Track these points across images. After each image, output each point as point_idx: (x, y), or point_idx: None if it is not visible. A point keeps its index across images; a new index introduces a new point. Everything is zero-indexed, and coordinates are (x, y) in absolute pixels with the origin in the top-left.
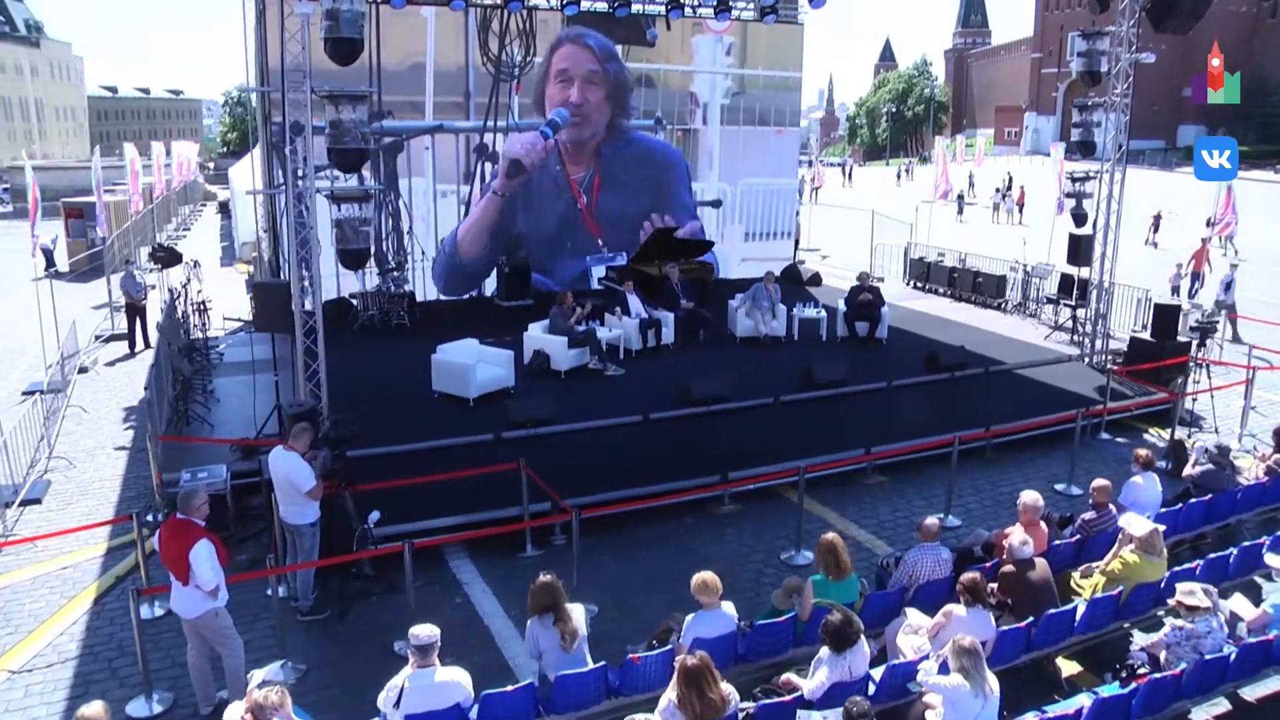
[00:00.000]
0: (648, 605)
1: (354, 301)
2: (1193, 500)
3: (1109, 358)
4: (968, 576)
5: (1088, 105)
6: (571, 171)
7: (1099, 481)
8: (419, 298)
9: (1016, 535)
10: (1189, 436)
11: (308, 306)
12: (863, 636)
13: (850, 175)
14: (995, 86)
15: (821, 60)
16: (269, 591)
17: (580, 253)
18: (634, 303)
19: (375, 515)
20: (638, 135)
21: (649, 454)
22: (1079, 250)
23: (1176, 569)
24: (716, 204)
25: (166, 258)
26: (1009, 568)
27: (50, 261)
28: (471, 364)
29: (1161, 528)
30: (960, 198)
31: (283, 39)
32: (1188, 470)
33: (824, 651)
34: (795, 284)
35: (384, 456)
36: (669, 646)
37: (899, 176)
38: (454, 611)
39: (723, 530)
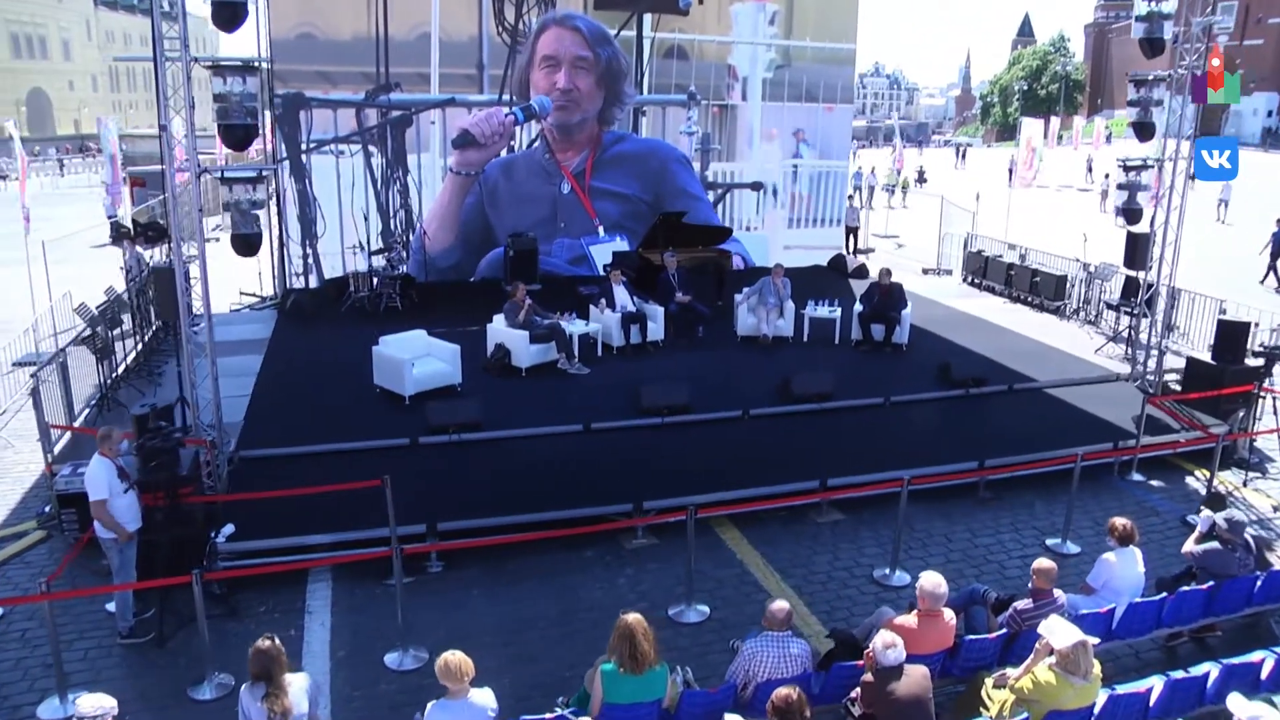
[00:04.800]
0: (489, 657)
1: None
2: (1185, 589)
3: (1162, 379)
4: (780, 694)
5: (1146, 80)
6: (562, 158)
7: (1042, 562)
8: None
9: (881, 637)
10: (1244, 484)
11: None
12: None
13: (964, 156)
14: (1135, 64)
15: (960, 36)
16: (107, 606)
17: (577, 234)
18: (620, 294)
19: (229, 529)
20: (633, 135)
21: (576, 470)
22: (1135, 251)
23: (1122, 690)
24: (756, 186)
25: (146, 233)
26: (869, 677)
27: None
28: (407, 359)
29: (1093, 641)
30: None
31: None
32: (1188, 546)
33: None
34: (840, 275)
35: (284, 458)
36: None
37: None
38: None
39: (620, 569)
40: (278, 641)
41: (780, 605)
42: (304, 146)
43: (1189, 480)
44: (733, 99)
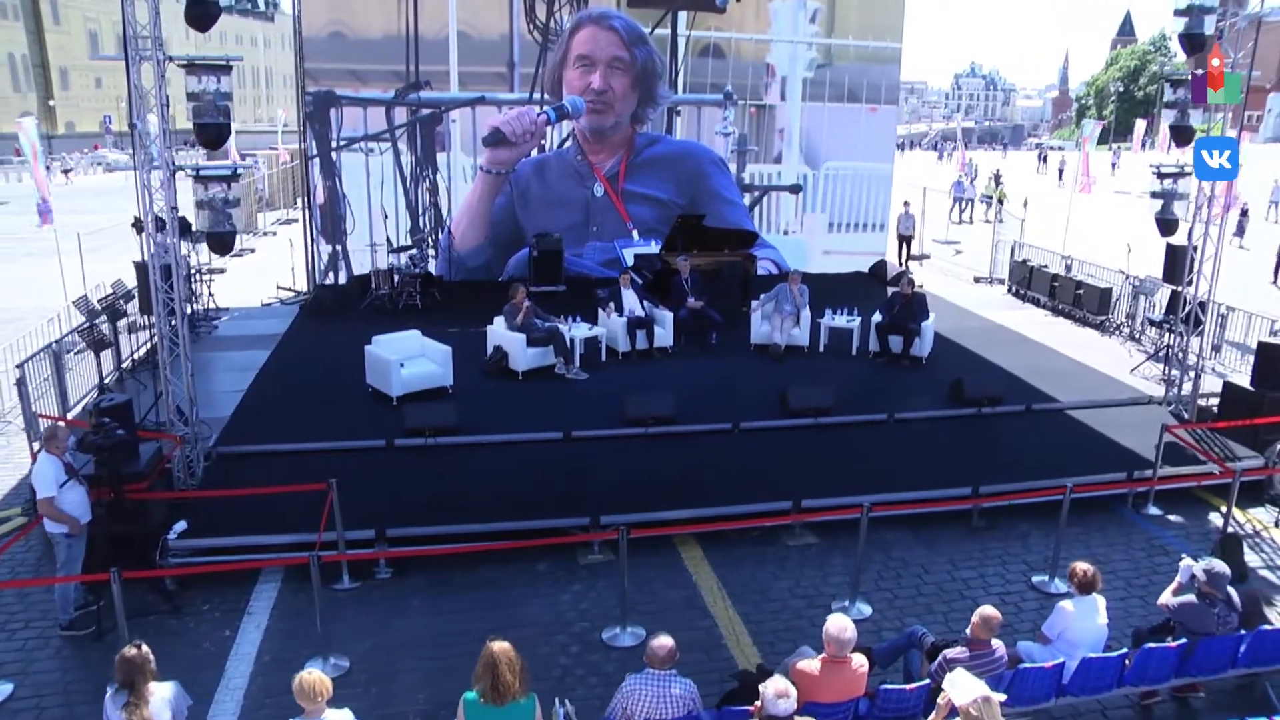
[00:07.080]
0: (411, 671)
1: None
2: (1151, 645)
3: (1198, 404)
4: None
5: (1184, 80)
6: (594, 160)
7: (985, 611)
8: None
9: (773, 683)
10: (1276, 524)
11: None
12: None
13: (1046, 160)
14: (1238, 64)
15: (1060, 35)
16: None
17: (609, 237)
18: (629, 298)
19: (181, 525)
20: (667, 137)
21: (546, 480)
22: (1174, 264)
23: None
24: (795, 189)
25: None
26: None
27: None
28: (395, 360)
29: (1000, 697)
30: (1244, 213)
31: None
32: (1164, 597)
33: None
34: (881, 283)
35: (260, 455)
36: None
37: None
38: (209, 647)
39: (569, 586)
40: (145, 649)
41: (662, 642)
42: (334, 144)
43: (1212, 516)
44: (771, 99)
